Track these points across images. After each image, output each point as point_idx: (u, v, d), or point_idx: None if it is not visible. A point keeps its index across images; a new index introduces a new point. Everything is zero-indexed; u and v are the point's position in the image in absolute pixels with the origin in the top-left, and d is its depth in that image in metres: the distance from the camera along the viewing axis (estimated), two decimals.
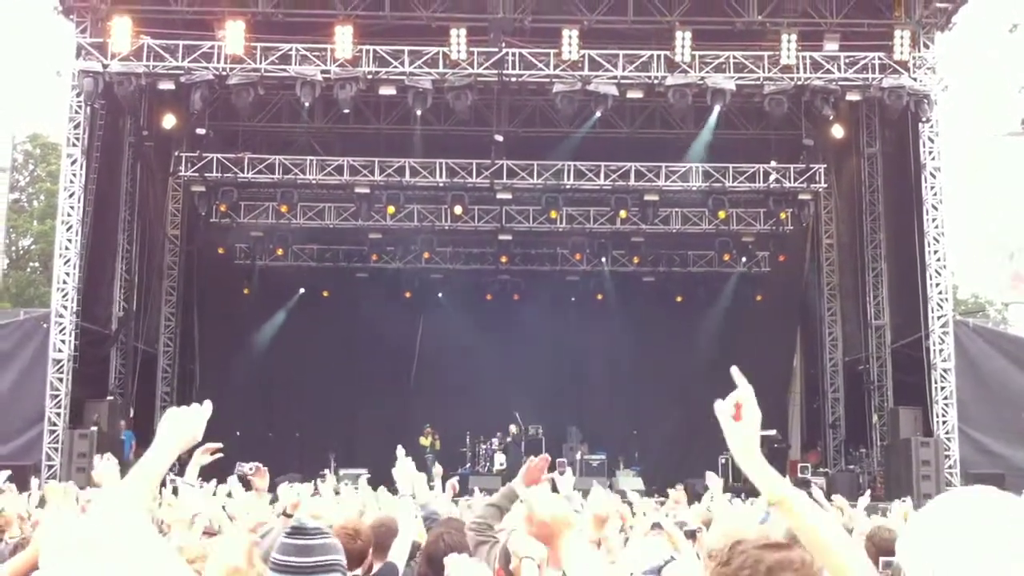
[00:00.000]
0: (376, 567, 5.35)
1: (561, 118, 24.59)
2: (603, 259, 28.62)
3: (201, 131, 25.28)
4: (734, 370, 2.55)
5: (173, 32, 22.54)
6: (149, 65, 22.28)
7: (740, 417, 2.47)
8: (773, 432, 24.76)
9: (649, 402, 27.65)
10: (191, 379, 27.80)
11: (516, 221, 27.60)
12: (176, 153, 26.41)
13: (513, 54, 22.83)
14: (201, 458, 6.21)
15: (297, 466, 23.25)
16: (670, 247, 28.89)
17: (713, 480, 8.57)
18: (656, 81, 22.88)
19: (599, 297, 29.36)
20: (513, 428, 26.08)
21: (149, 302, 26.47)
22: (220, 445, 6.38)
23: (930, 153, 22.88)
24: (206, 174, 25.80)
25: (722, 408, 2.49)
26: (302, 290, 29.26)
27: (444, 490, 9.48)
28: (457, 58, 22.41)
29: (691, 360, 27.42)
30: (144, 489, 2.59)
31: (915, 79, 22.55)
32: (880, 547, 5.49)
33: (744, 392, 2.48)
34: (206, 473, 6.78)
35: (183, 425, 2.79)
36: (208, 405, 2.90)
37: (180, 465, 8.37)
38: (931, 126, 22.93)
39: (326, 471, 20.10)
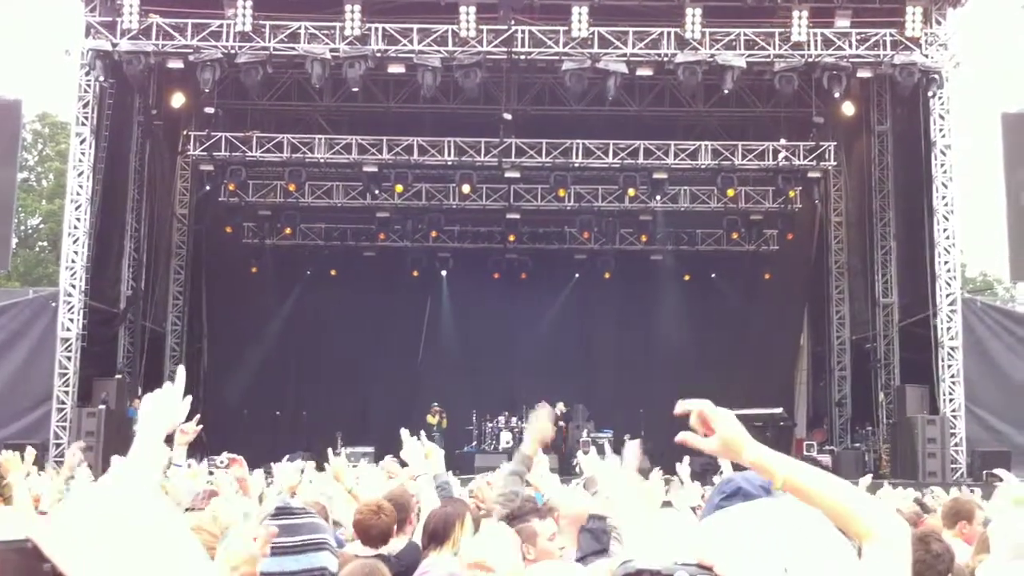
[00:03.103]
0: (396, 542, 5.35)
1: (570, 96, 24.49)
2: (610, 239, 28.60)
3: (210, 110, 25.33)
4: (680, 405, 2.25)
5: (182, 11, 22.51)
6: (158, 44, 22.29)
7: (710, 431, 2.22)
8: (779, 410, 24.77)
9: (656, 380, 27.61)
10: (199, 358, 27.89)
11: (524, 200, 27.58)
12: (185, 132, 26.47)
13: (522, 32, 22.76)
14: (183, 438, 6.20)
15: (305, 444, 23.33)
16: (678, 225, 28.81)
17: (683, 468, 7.93)
18: (666, 58, 22.80)
19: (607, 276, 29.27)
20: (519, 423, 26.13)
21: (157, 281, 26.53)
22: (195, 423, 6.38)
23: (940, 131, 22.77)
24: (214, 153, 25.76)
25: (688, 435, 2.25)
26: (308, 272, 29.30)
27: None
28: (466, 36, 22.35)
29: (699, 338, 27.43)
30: (149, 476, 2.53)
31: (927, 56, 22.42)
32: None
33: (701, 406, 2.23)
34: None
35: (163, 408, 2.74)
36: (181, 373, 2.81)
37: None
38: (942, 103, 22.82)
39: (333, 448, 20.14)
